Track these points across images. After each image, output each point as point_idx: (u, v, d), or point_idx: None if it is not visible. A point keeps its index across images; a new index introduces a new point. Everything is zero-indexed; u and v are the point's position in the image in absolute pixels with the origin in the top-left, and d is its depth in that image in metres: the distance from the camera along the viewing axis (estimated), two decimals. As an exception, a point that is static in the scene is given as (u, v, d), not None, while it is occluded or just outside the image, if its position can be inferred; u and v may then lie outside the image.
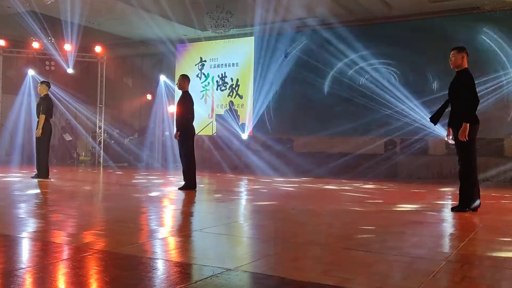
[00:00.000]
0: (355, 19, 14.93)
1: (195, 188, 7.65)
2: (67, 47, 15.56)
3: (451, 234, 4.31)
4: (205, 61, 18.17)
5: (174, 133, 7.76)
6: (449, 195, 8.11)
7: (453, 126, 5.64)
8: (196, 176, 7.77)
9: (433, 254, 3.32)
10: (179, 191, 7.54)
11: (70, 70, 15.98)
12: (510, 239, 4.01)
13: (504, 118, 12.23)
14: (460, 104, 5.52)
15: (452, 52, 5.69)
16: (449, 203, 6.69)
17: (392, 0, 13.46)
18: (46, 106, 9.23)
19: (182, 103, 7.75)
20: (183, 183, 7.71)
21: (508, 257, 3.29)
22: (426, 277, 2.68)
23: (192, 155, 7.71)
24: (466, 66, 5.63)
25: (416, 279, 2.65)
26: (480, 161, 5.89)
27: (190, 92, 7.98)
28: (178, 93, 17.80)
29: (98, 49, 16.40)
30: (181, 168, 7.81)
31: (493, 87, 12.23)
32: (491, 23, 12.75)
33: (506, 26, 12.69)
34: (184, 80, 7.89)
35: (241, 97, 17.42)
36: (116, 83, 18.48)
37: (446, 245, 3.72)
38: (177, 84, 7.97)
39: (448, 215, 5.37)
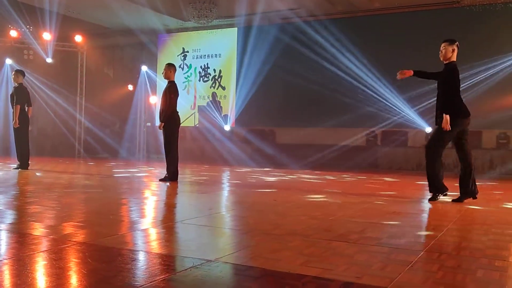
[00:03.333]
0: (338, 11, 14.97)
1: (177, 179, 7.61)
2: (46, 36, 15.29)
3: (429, 225, 4.36)
4: (187, 51, 18.04)
5: (158, 124, 7.68)
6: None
7: (439, 117, 5.65)
8: (179, 168, 7.74)
9: (412, 244, 3.36)
10: (161, 182, 7.50)
11: (49, 60, 15.72)
12: (487, 228, 4.07)
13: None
14: (446, 97, 5.54)
15: (443, 44, 5.69)
16: (427, 193, 6.77)
17: (374, -8, 13.52)
18: (20, 95, 9.10)
19: (167, 93, 7.57)
20: (165, 174, 7.68)
21: (484, 247, 3.34)
22: (404, 267, 2.71)
23: (176, 146, 7.65)
24: (455, 59, 5.65)
25: (394, 269, 2.67)
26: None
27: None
28: (160, 84, 17.72)
29: (78, 38, 16.16)
30: (164, 159, 7.76)
31: (473, 82, 12.37)
32: (470, 17, 12.88)
33: (484, 21, 12.84)
34: (170, 69, 7.72)
35: (223, 88, 17.35)
36: (97, 73, 18.24)
37: (425, 235, 3.76)
38: (162, 73, 7.83)
39: (427, 206, 5.44)
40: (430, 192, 5.79)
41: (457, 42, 5.67)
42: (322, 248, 3.14)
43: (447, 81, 5.55)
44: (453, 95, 5.49)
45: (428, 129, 12.84)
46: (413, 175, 10.63)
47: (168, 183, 7.40)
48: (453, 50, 5.63)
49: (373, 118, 14.15)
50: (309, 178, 9.17)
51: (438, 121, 5.60)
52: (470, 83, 11.83)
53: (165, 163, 7.69)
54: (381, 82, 14.54)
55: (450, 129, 5.43)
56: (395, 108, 14.10)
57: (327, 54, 15.37)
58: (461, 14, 13.10)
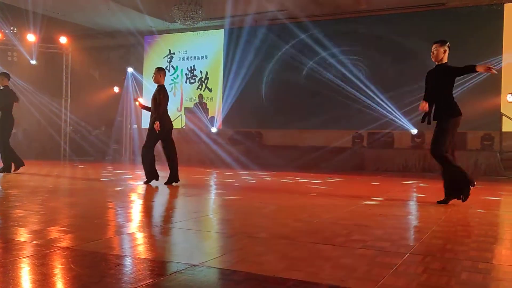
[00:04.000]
0: (325, 13, 15.02)
1: (178, 181, 7.63)
2: (31, 37, 15.14)
3: (415, 227, 4.38)
4: (174, 53, 17.99)
5: (154, 125, 7.55)
6: (414, 187, 8.26)
7: (439, 119, 5.68)
8: (163, 170, 7.71)
9: (397, 246, 3.37)
10: (144, 184, 7.47)
11: (33, 62, 15.57)
12: (471, 230, 4.11)
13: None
14: (444, 97, 5.57)
15: (434, 46, 5.71)
16: (413, 195, 6.82)
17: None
18: (4, 99, 9.06)
19: (157, 97, 7.53)
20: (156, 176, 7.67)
21: (468, 249, 3.37)
22: (389, 270, 2.72)
23: (152, 148, 7.68)
24: (447, 60, 5.67)
25: (379, 272, 2.68)
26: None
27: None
28: (147, 86, 17.63)
29: (63, 40, 16.02)
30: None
31: (458, 83, 12.49)
32: (456, 19, 13.02)
33: (469, 22, 12.97)
34: (160, 73, 7.71)
35: (210, 90, 17.34)
36: (82, 75, 18.10)
37: (410, 237, 3.78)
38: (152, 77, 7.80)
39: (412, 208, 5.47)
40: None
41: (448, 43, 5.70)
42: (307, 251, 3.14)
43: (447, 80, 5.57)
44: (452, 95, 5.56)
45: (414, 131, 12.94)
46: (399, 176, 10.69)
47: (154, 186, 7.37)
48: (445, 51, 5.65)
49: (359, 119, 14.23)
50: (295, 180, 9.18)
51: (436, 118, 5.65)
52: (455, 83, 11.94)
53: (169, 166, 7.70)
54: (367, 84, 14.63)
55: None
56: (381, 109, 14.19)
57: (314, 56, 15.43)
58: (447, 16, 13.23)
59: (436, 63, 5.72)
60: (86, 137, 17.41)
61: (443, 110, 5.58)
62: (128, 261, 2.85)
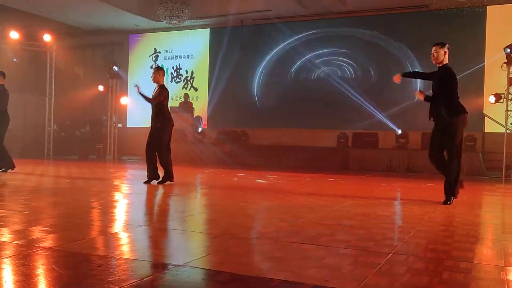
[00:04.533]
0: (311, 13, 15.06)
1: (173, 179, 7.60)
2: (14, 35, 14.94)
3: (398, 227, 4.42)
4: (159, 52, 17.90)
5: (155, 125, 7.56)
6: (398, 187, 8.33)
7: (437, 117, 5.74)
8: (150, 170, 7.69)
9: (380, 246, 3.40)
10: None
11: (16, 59, 15.37)
12: (453, 230, 4.16)
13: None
14: (444, 98, 5.65)
15: (434, 48, 5.78)
16: (397, 195, 6.87)
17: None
18: (1, 98, 8.96)
19: (159, 97, 7.53)
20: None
21: (450, 249, 3.41)
22: (372, 269, 2.74)
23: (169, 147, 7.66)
24: (447, 62, 5.75)
25: (362, 271, 2.70)
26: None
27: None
28: (132, 85, 17.48)
29: (47, 38, 15.83)
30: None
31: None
32: (438, 20, 13.15)
33: (452, 24, 13.12)
34: (159, 72, 7.71)
35: (196, 89, 17.28)
36: (67, 73, 17.93)
37: (393, 237, 3.81)
38: (151, 77, 7.78)
39: (396, 208, 5.52)
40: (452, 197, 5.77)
41: (448, 45, 5.78)
42: (291, 251, 3.15)
43: (448, 83, 5.65)
44: (456, 96, 5.62)
45: (398, 131, 13.04)
46: (383, 176, 10.77)
47: (140, 185, 7.33)
48: (445, 53, 5.74)
49: (345, 119, 14.30)
50: (281, 180, 9.20)
51: (437, 120, 5.71)
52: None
53: (163, 165, 7.65)
54: (352, 84, 14.71)
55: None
56: (366, 110, 14.28)
57: (300, 56, 15.48)
58: (431, 18, 13.36)
59: (438, 65, 5.80)
60: (70, 136, 17.25)
61: (444, 111, 5.64)
62: (111, 262, 2.82)
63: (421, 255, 3.18)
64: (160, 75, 7.69)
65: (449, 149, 5.67)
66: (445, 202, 5.66)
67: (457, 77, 5.77)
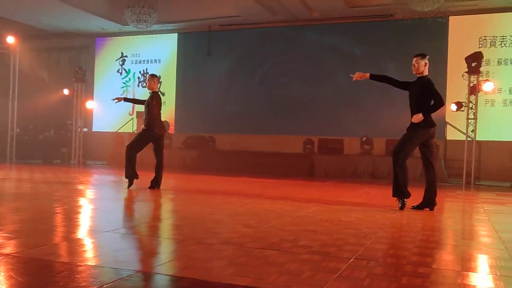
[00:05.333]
0: (279, 20, 15.20)
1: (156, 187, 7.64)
2: (-25, 36, 14.55)
3: (361, 232, 4.49)
4: (126, 56, 17.73)
5: (152, 131, 7.58)
6: (362, 193, 8.46)
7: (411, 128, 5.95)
8: (116, 175, 7.60)
9: (342, 252, 3.46)
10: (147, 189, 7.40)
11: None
12: (414, 236, 4.26)
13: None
14: (422, 109, 5.81)
15: (415, 59, 5.94)
16: (362, 202, 6.98)
17: (313, 2, 13.82)
18: None
19: (150, 103, 7.56)
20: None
21: (410, 254, 3.49)
22: (333, 274, 2.79)
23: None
24: (427, 73, 5.92)
25: (323, 277, 2.75)
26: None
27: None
28: (98, 88, 17.27)
29: (10, 40, 15.45)
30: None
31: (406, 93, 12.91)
32: (403, 30, 13.46)
33: (415, 34, 13.47)
34: (154, 79, 7.77)
35: (163, 94, 17.17)
36: (31, 76, 17.55)
37: (355, 243, 3.88)
38: (146, 83, 7.87)
39: (359, 213, 5.60)
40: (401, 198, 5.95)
41: (428, 56, 5.95)
42: (255, 257, 3.17)
43: (426, 94, 5.81)
44: (440, 103, 5.80)
45: (363, 138, 13.25)
46: (348, 182, 10.92)
47: (105, 191, 7.23)
48: (425, 64, 5.91)
49: (311, 126, 14.47)
50: (247, 185, 9.22)
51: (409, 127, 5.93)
52: (404, 93, 12.33)
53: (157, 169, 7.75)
54: (319, 91, 14.89)
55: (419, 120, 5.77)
56: (332, 116, 14.47)
57: (267, 62, 15.59)
58: (395, 27, 13.67)
59: (418, 76, 5.95)
60: (34, 140, 16.86)
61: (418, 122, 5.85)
62: (71, 268, 2.78)
63: (381, 260, 3.25)
64: (154, 82, 7.78)
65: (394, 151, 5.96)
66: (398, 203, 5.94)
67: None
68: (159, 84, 17.08)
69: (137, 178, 7.58)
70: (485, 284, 2.84)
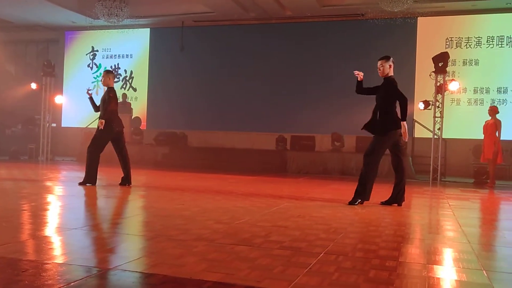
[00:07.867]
0: (252, 17, 15.21)
1: (92, 183, 7.42)
2: None
3: (330, 228, 4.55)
4: (97, 50, 17.47)
5: (98, 123, 7.42)
6: (332, 189, 8.55)
7: (373, 131, 6.06)
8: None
9: (312, 247, 3.50)
10: (80, 186, 7.25)
11: None
12: (382, 230, 4.33)
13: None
14: (385, 110, 5.95)
15: (379, 62, 6.09)
16: (333, 198, 7.06)
17: (285, 0, 13.88)
18: None
19: (106, 98, 7.40)
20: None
21: (378, 248, 3.56)
22: (303, 269, 2.83)
23: (97, 150, 7.48)
24: (392, 74, 6.07)
25: (294, 271, 2.78)
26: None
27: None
28: (67, 83, 16.97)
29: (-25, 31, 15.05)
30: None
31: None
32: (373, 30, 13.64)
33: (385, 34, 13.67)
34: (108, 76, 7.65)
35: (135, 90, 17.02)
36: (-4, 70, 17.12)
37: (325, 238, 3.92)
38: (101, 80, 7.72)
39: (330, 209, 5.67)
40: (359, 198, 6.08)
41: (392, 58, 6.10)
42: (226, 253, 3.18)
43: (391, 94, 5.95)
44: (405, 101, 5.93)
45: (334, 135, 13.38)
46: (320, 179, 11.02)
47: (74, 187, 7.12)
48: (390, 66, 6.08)
49: (283, 123, 14.55)
50: (219, 182, 9.21)
51: (376, 130, 6.02)
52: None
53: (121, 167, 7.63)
54: (290, 88, 14.97)
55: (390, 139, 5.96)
56: (303, 113, 14.56)
57: (240, 59, 15.58)
58: (366, 26, 13.83)
59: (383, 78, 6.08)
60: (0, 135, 16.44)
61: (380, 123, 5.98)
62: (36, 266, 2.73)
63: (350, 255, 3.30)
64: (109, 78, 7.64)
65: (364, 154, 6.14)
66: (350, 203, 6.08)
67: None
68: (130, 80, 17.06)
69: (93, 184, 7.39)
70: (449, 276, 2.92)
